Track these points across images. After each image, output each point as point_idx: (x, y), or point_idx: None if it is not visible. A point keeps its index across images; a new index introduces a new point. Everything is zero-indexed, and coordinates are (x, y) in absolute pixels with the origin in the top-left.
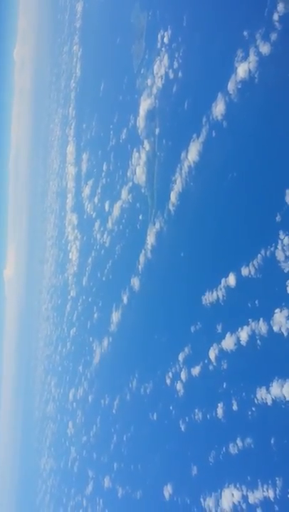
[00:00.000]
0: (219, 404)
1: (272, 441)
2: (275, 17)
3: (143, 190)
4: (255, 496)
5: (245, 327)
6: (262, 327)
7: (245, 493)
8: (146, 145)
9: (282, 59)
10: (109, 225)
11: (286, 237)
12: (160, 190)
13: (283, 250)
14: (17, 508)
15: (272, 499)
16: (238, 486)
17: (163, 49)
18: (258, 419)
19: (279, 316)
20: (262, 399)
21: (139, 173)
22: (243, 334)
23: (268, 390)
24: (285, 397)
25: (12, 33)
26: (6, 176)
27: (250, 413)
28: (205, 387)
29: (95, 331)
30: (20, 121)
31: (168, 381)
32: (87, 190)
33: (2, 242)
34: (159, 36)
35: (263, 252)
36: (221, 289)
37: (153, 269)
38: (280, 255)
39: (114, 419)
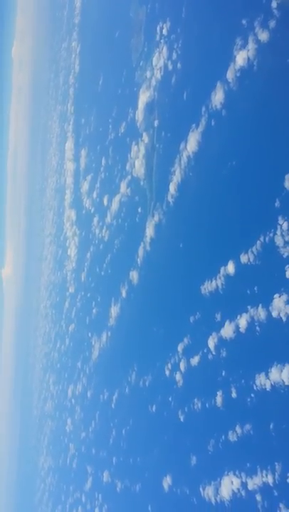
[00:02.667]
0: (218, 393)
1: (271, 427)
2: (274, 4)
3: (142, 183)
4: (254, 482)
5: (244, 314)
6: (261, 313)
7: (244, 480)
8: (145, 137)
9: (281, 46)
10: (108, 219)
11: (285, 223)
12: (159, 182)
13: (282, 236)
14: (15, 507)
15: (271, 484)
16: (237, 473)
17: (162, 41)
18: (257, 406)
19: (278, 301)
20: (261, 385)
21: (137, 166)
22: (242, 321)
23: (267, 375)
24: (284, 381)
25: (10, 31)
26: (5, 175)
27: (249, 400)
28: (204, 377)
29: (94, 326)
30: (19, 119)
31: (167, 372)
32: (85, 186)
33: (0, 241)
34: (158, 28)
35: (262, 238)
36: (220, 278)
37: (152, 261)
38: (279, 241)
39: (113, 414)
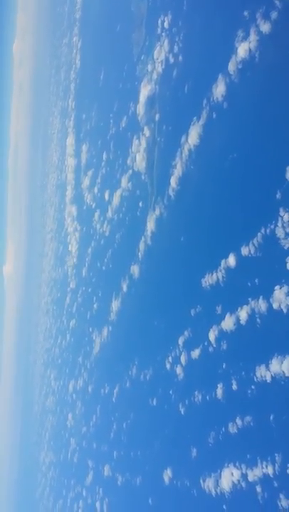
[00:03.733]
0: (219, 385)
1: (271, 418)
2: None
3: (143, 177)
4: (254, 474)
5: (244, 306)
6: (262, 305)
7: (244, 471)
8: (147, 131)
9: (283, 37)
10: (109, 214)
11: (286, 214)
12: (160, 176)
13: (283, 227)
14: (16, 502)
15: (271, 475)
16: (237, 465)
17: (163, 34)
18: (257, 397)
19: (279, 293)
20: (261, 376)
21: (139, 160)
22: (243, 313)
23: (267, 367)
24: (284, 373)
25: (11, 28)
26: (5, 172)
27: (249, 392)
28: (205, 369)
29: (95, 321)
30: (20, 116)
31: (168, 366)
32: (86, 181)
33: (2, 239)
34: (160, 22)
35: (263, 230)
36: (220, 271)
37: (153, 255)
38: (280, 232)
39: (114, 408)
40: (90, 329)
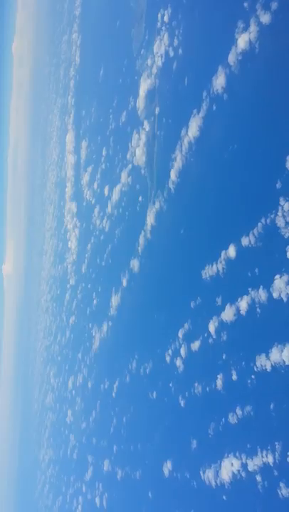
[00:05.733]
0: (219, 376)
1: (271, 407)
2: None
3: (143, 171)
4: (254, 463)
5: (245, 297)
6: (262, 295)
7: (244, 461)
8: (146, 125)
9: (284, 27)
10: (109, 209)
11: (286, 203)
12: (160, 170)
13: (284, 216)
14: (16, 501)
15: (271, 464)
16: (237, 454)
17: (163, 28)
18: (257, 387)
19: (279, 282)
20: (261, 366)
21: (138, 154)
22: (243, 304)
23: (267, 356)
24: (284, 361)
25: (10, 27)
26: (5, 171)
27: (249, 381)
28: (204, 361)
29: (94, 317)
30: (19, 115)
31: (167, 358)
32: (86, 178)
33: (1, 238)
34: (159, 16)
35: (263, 220)
36: (221, 262)
37: (153, 249)
38: (280, 222)
39: (113, 403)
40: (90, 325)
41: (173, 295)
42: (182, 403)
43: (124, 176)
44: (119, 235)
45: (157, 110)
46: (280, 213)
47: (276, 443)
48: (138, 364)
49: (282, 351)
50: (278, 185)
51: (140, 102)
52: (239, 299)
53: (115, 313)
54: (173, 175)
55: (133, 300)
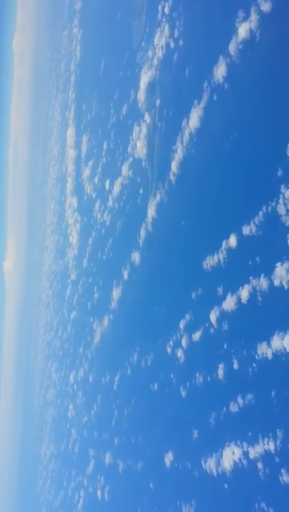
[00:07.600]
0: (220, 365)
1: (273, 394)
2: None
3: (144, 164)
4: (255, 451)
5: (246, 285)
6: (263, 283)
7: (246, 449)
8: (147, 117)
9: (284, 16)
10: (110, 203)
11: (288, 191)
12: (161, 162)
13: (285, 204)
14: (17, 496)
15: (272, 451)
16: (238, 443)
17: (164, 19)
18: (258, 375)
19: (280, 270)
20: (262, 354)
21: (139, 147)
22: (244, 293)
23: (268, 344)
24: (285, 349)
25: (11, 23)
26: (5, 167)
27: (250, 370)
28: (206, 351)
29: (96, 311)
30: (20, 110)
31: (168, 350)
32: (87, 172)
33: (2, 234)
34: (160, 7)
35: (264, 208)
36: (222, 252)
37: (154, 241)
38: (281, 209)
39: (115, 396)
40: (91, 319)
41: (174, 286)
42: (183, 394)
43: (125, 169)
44: (120, 229)
45: (158, 102)
46: (281, 201)
47: (277, 430)
48: (139, 356)
49: (283, 338)
50: (279, 173)
51: (141, 95)
52: (240, 288)
53: (116, 307)
54: (174, 166)
55: (134, 293)
